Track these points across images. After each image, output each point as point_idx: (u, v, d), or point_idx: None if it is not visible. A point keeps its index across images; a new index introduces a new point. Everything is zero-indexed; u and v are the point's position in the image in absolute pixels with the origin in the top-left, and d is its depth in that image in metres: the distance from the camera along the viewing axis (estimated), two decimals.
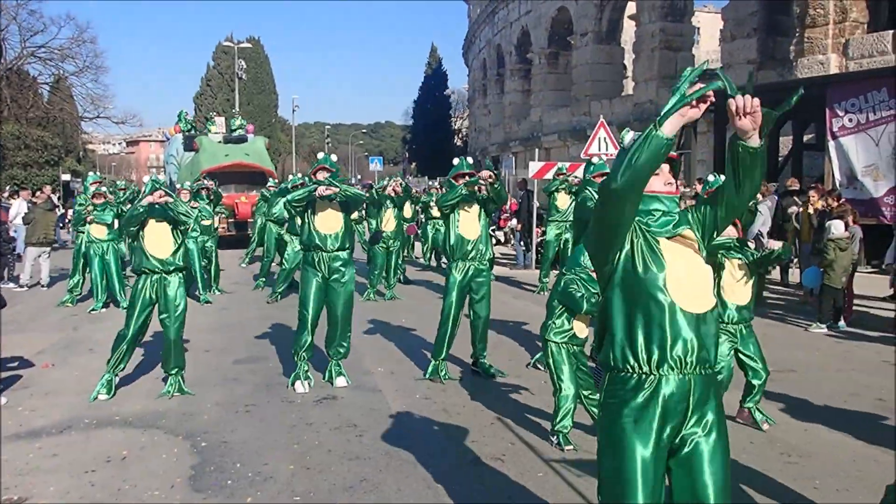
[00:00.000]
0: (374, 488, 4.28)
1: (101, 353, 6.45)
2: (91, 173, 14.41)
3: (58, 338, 8.71)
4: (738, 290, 5.24)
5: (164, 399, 6.14)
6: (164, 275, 6.16)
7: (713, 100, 2.28)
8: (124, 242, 10.86)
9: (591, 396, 4.90)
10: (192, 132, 24.76)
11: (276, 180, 12.33)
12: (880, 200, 11.74)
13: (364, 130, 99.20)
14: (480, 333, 6.78)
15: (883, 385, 6.50)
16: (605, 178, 2.42)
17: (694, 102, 2.23)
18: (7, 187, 27.85)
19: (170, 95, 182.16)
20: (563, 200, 11.64)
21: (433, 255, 15.71)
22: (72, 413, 5.78)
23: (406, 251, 14.81)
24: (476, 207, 6.59)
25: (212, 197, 12.64)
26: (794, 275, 12.25)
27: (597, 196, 2.38)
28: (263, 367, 7.26)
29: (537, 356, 7.19)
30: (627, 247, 2.42)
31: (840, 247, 8.79)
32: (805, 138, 16.06)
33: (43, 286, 12.91)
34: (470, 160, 7.18)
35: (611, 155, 14.15)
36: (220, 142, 22.82)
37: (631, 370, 2.40)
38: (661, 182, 2.51)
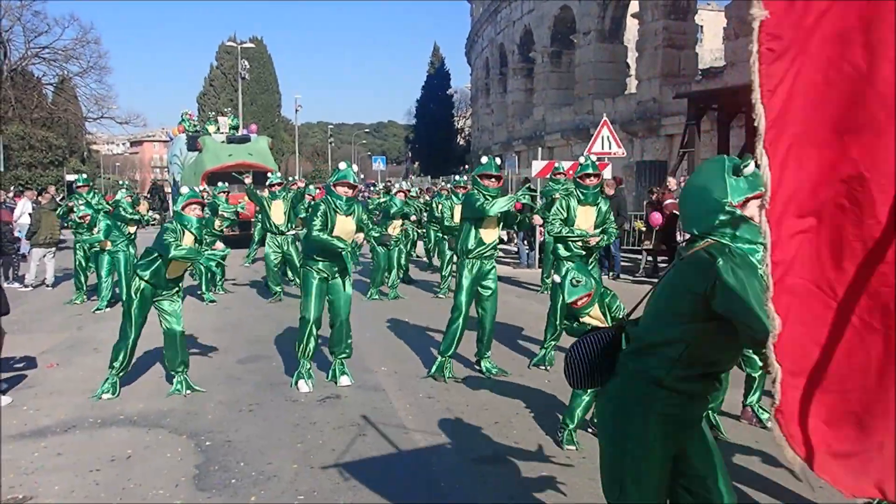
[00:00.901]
0: (378, 487, 4.30)
1: (106, 353, 6.46)
2: (75, 175, 14.52)
3: (62, 337, 8.74)
4: None
5: (168, 398, 6.16)
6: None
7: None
8: (134, 247, 10.93)
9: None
10: (197, 132, 24.79)
11: (279, 175, 12.35)
12: None
13: (367, 130, 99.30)
14: (488, 332, 6.81)
15: None
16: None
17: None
18: (12, 188, 27.95)
19: (173, 96, 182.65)
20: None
21: (436, 254, 15.70)
22: (76, 412, 5.80)
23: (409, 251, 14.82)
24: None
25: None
26: None
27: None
28: (266, 366, 7.28)
29: (538, 356, 7.20)
30: None
31: None
32: None
33: (48, 286, 12.96)
34: (498, 160, 7.19)
35: (613, 153, 14.15)
36: (223, 142, 22.84)
37: (681, 393, 2.46)
38: None
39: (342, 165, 6.58)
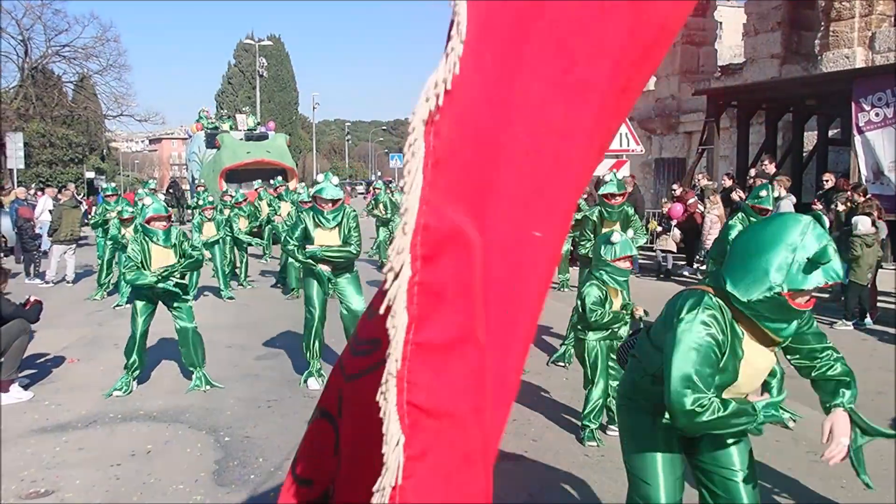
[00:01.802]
0: None
1: None
2: (104, 184, 14.70)
3: (83, 333, 8.82)
4: None
5: (188, 394, 6.20)
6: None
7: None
8: None
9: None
10: (215, 129, 24.93)
11: (297, 179, 12.39)
12: None
13: (384, 127, 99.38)
14: None
15: None
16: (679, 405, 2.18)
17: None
18: (32, 185, 28.27)
19: (191, 93, 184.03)
20: None
21: None
22: (97, 408, 5.85)
23: None
24: None
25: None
26: None
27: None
28: (284, 363, 7.30)
29: (558, 352, 7.17)
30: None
31: (866, 243, 8.66)
32: (830, 133, 15.83)
33: (68, 282, 13.08)
34: None
35: (631, 150, 14.07)
36: (241, 139, 22.95)
37: None
38: None
39: (320, 178, 6.46)
